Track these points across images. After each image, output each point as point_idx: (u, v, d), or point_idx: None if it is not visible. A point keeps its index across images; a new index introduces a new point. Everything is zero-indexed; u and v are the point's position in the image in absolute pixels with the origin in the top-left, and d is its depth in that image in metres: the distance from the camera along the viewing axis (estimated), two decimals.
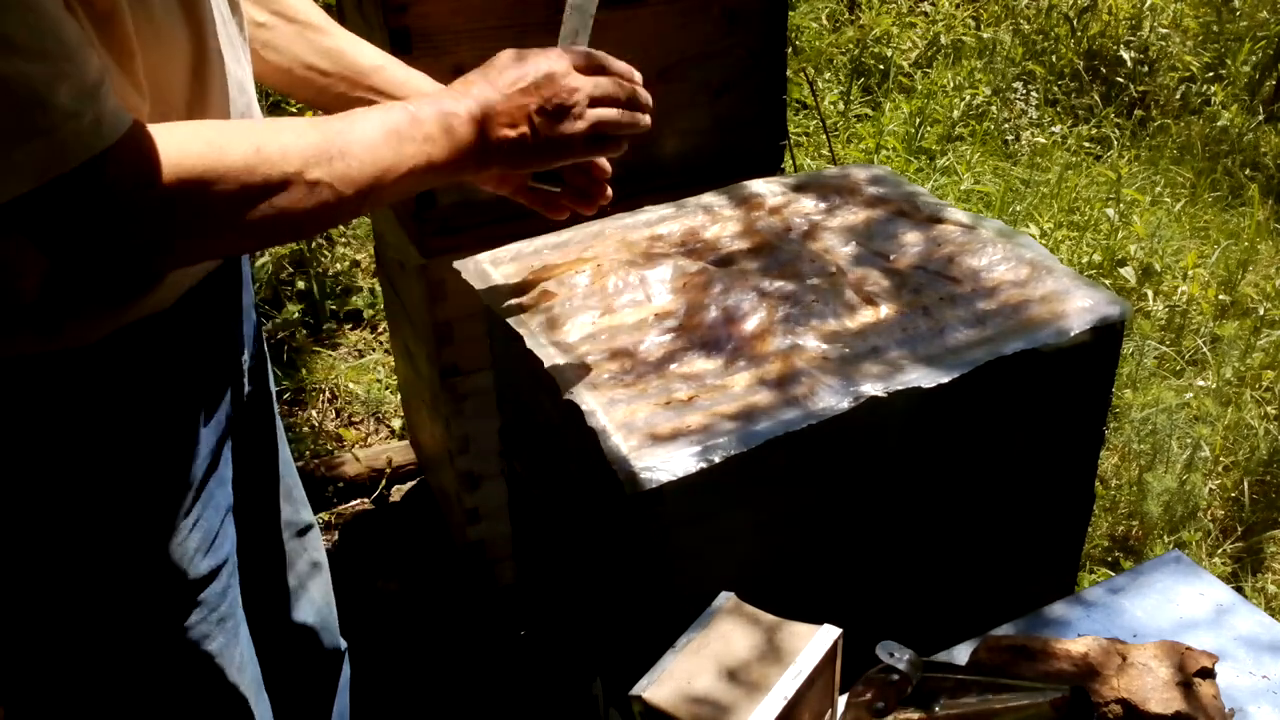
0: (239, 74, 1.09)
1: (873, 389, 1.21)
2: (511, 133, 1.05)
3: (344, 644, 1.58)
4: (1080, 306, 1.34)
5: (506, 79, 1.06)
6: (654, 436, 1.16)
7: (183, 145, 0.87)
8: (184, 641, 1.14)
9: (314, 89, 1.27)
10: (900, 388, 1.22)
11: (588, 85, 1.08)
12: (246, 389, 1.27)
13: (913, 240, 1.49)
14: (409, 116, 1.01)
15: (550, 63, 1.07)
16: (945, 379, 1.23)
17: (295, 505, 1.45)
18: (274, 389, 1.42)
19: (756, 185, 1.64)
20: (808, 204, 1.58)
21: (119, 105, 0.85)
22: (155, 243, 0.90)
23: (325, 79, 1.26)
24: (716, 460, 1.12)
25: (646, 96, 1.14)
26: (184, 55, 0.99)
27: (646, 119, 1.14)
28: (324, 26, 1.27)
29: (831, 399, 1.20)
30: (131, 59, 0.91)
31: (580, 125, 1.08)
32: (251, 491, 1.32)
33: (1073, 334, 1.31)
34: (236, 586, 1.22)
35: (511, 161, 1.08)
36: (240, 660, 1.22)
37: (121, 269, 0.94)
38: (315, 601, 1.50)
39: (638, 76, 1.14)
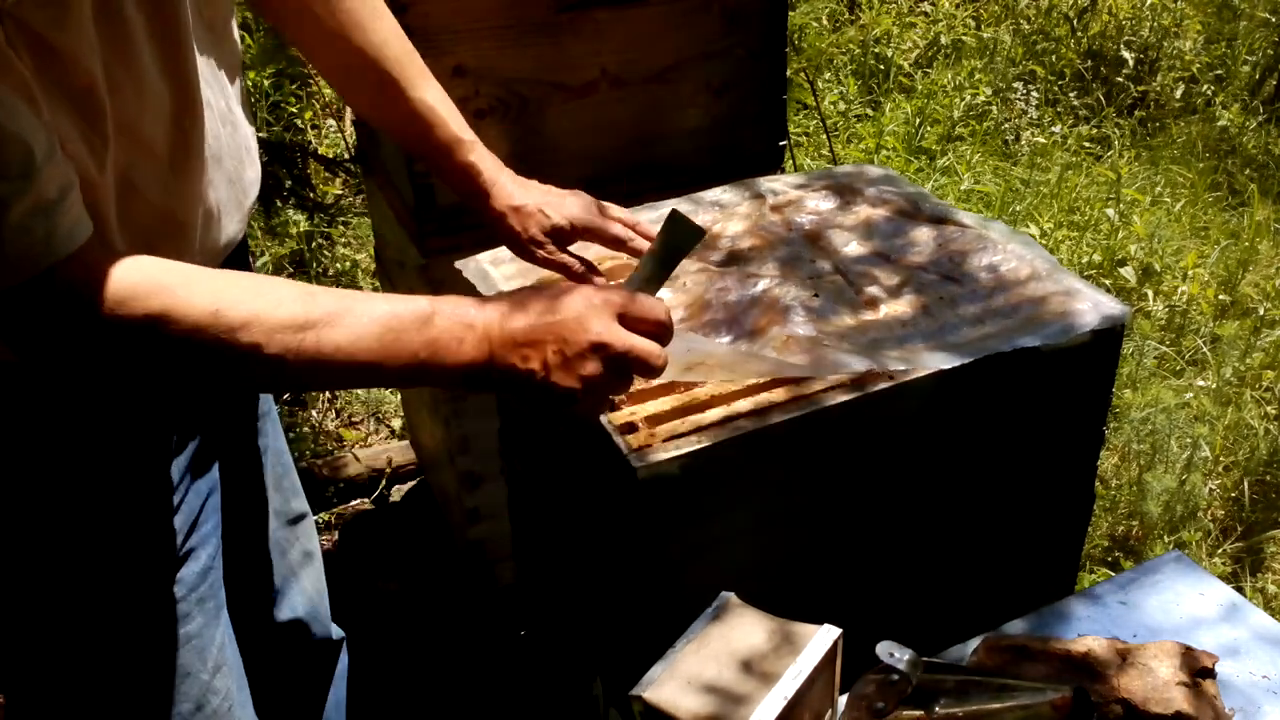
0: (222, 105, 1.10)
1: (874, 363, 1.21)
2: (520, 365, 0.96)
3: (339, 633, 1.58)
4: (1080, 307, 1.34)
5: (537, 309, 0.98)
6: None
7: (142, 279, 0.86)
8: (161, 620, 1.15)
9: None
10: (902, 367, 1.21)
11: (614, 342, 0.97)
12: None
13: (914, 240, 1.49)
14: (420, 315, 0.95)
15: (589, 308, 0.97)
16: (945, 365, 1.23)
17: (286, 494, 1.45)
18: None
19: (758, 183, 1.64)
20: (810, 203, 1.58)
21: (80, 217, 0.85)
22: (107, 360, 0.89)
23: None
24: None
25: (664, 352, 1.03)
26: (165, 107, 0.99)
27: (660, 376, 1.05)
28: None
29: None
30: (101, 116, 0.91)
31: (594, 380, 0.97)
32: (238, 480, 1.33)
33: (1073, 334, 1.31)
34: (219, 571, 1.23)
35: (509, 390, 1.00)
36: (219, 643, 1.23)
37: (86, 371, 0.94)
38: (307, 591, 1.50)
39: (671, 323, 1.03)
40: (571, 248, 1.34)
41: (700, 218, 1.55)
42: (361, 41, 1.26)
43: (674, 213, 1.08)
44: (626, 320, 0.98)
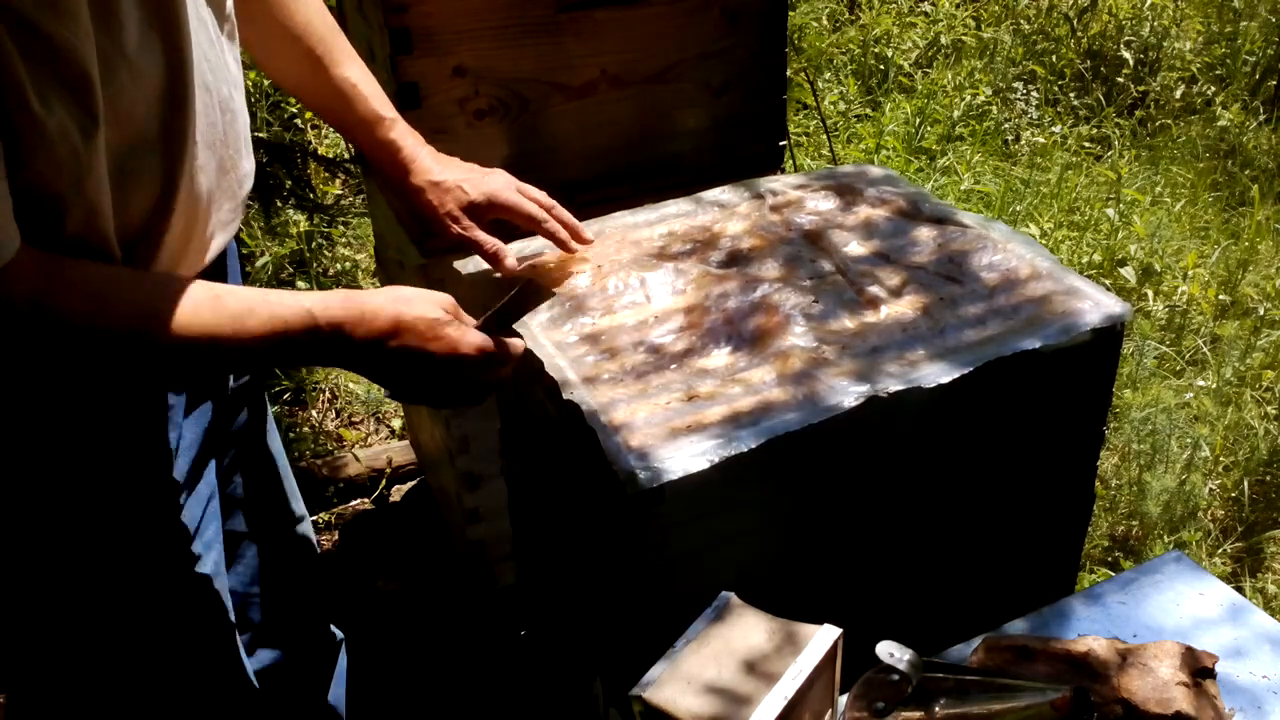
0: (223, 91, 1.11)
1: (873, 389, 1.21)
2: (368, 335, 1.08)
3: (340, 634, 1.59)
4: (1080, 307, 1.34)
5: (395, 297, 1.10)
6: (654, 437, 1.16)
7: (79, 282, 0.93)
8: (168, 626, 1.17)
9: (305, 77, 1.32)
10: (901, 388, 1.21)
11: (464, 344, 1.12)
12: (231, 382, 1.29)
13: (915, 241, 1.49)
14: (296, 313, 1.04)
15: (432, 308, 1.11)
16: (945, 379, 1.23)
17: (287, 496, 1.46)
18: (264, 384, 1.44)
19: (759, 183, 1.64)
20: (811, 203, 1.58)
21: (3, 227, 0.87)
22: (67, 353, 0.95)
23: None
24: (716, 460, 1.12)
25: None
26: (157, 85, 1.00)
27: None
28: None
29: (832, 399, 1.20)
30: (95, 103, 0.93)
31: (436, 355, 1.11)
32: (255, 483, 1.34)
33: (1073, 334, 1.31)
34: (224, 579, 1.25)
35: (353, 354, 1.09)
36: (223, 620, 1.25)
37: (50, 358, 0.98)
38: (306, 590, 1.50)
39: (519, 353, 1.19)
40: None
41: (699, 218, 1.55)
42: (286, 19, 1.28)
43: (529, 282, 1.23)
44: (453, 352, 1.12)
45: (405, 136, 1.36)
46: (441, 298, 1.13)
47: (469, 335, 1.13)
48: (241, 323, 1.01)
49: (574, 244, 1.41)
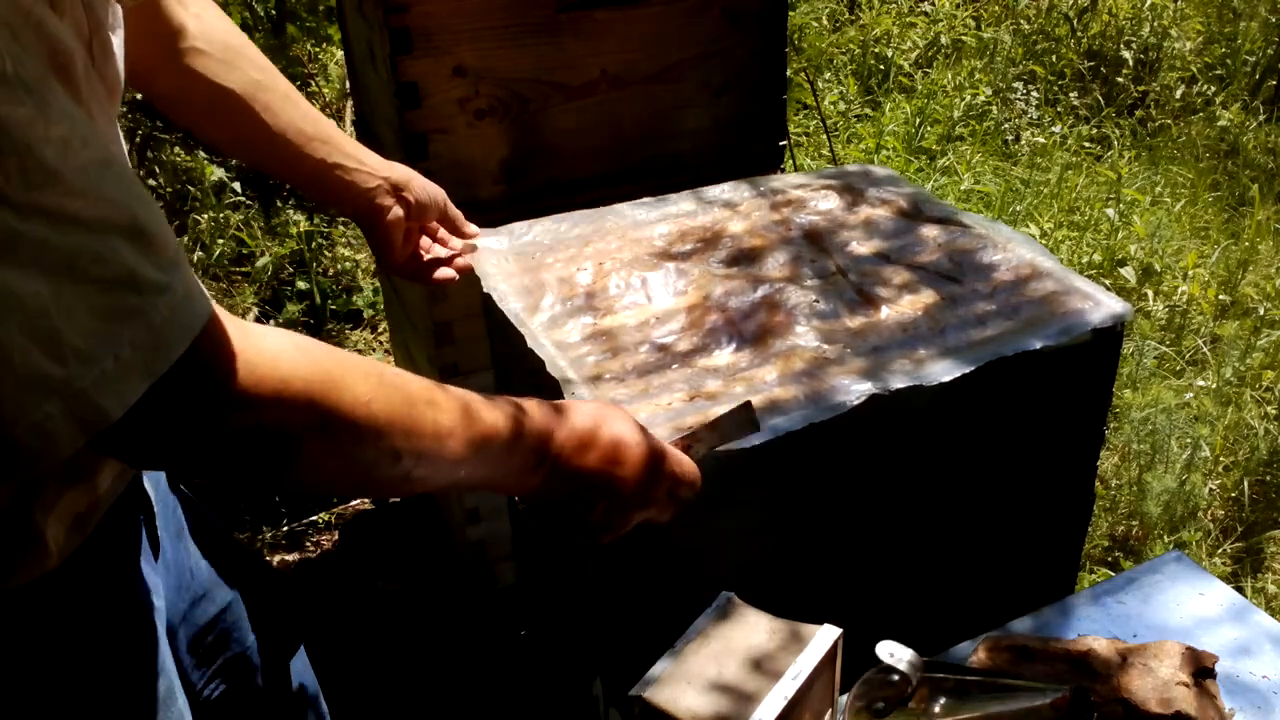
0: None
1: (872, 389, 1.21)
2: (567, 499, 0.97)
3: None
4: (1081, 307, 1.34)
5: (604, 450, 0.96)
6: (654, 437, 1.15)
7: (293, 355, 0.74)
8: None
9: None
10: (902, 387, 1.22)
11: (658, 514, 1.02)
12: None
13: (916, 241, 1.49)
14: (509, 437, 0.90)
15: (649, 468, 0.98)
16: (946, 378, 1.23)
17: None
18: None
19: (762, 182, 1.64)
20: (814, 203, 1.58)
21: (193, 275, 0.71)
22: (241, 448, 0.75)
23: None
24: (717, 460, 1.12)
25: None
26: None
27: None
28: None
29: (833, 398, 1.20)
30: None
31: (617, 529, 1.00)
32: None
33: (1074, 334, 1.31)
34: (175, 688, 1.08)
35: (554, 481, 0.96)
36: None
37: (250, 473, 0.80)
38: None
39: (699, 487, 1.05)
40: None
41: (701, 217, 1.55)
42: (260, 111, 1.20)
43: (749, 400, 1.07)
44: (667, 478, 1.00)
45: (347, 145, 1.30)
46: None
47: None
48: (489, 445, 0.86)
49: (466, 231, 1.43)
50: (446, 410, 0.84)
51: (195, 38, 1.15)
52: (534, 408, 0.93)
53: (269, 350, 0.73)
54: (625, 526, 1.00)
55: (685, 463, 1.03)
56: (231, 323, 0.72)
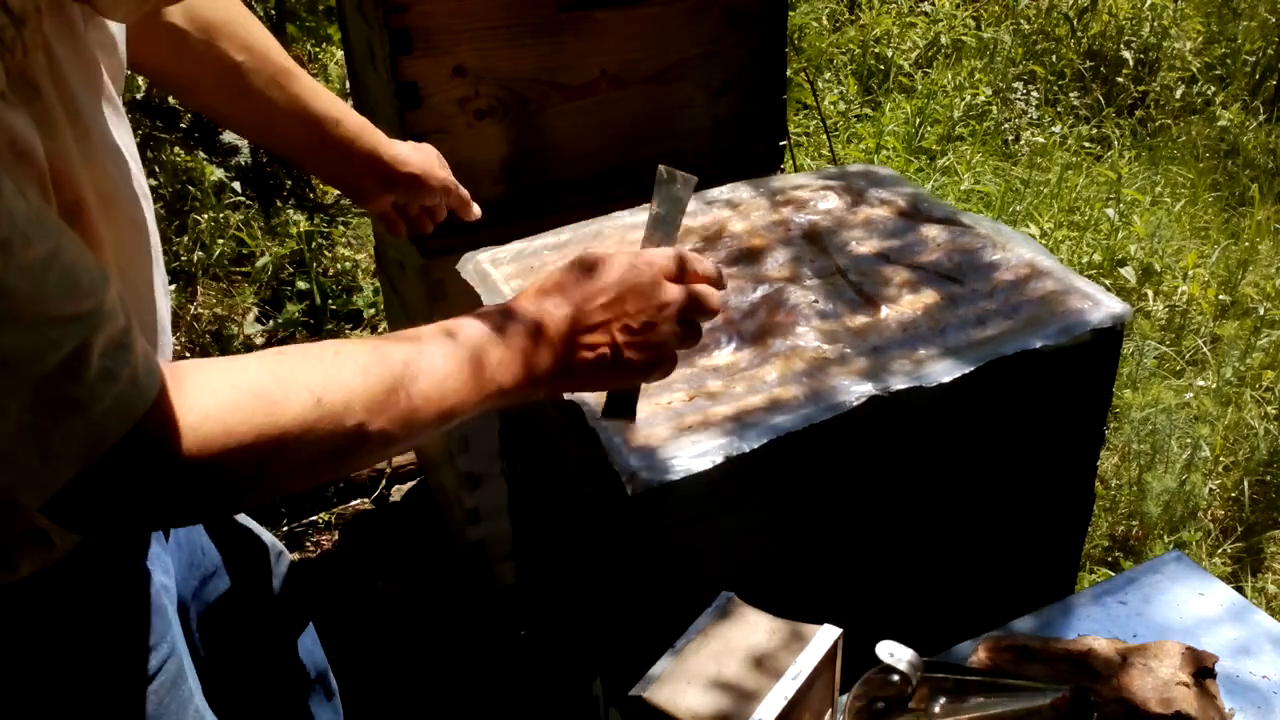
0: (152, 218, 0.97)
1: (872, 389, 1.21)
2: (590, 354, 0.90)
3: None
4: (1081, 307, 1.34)
5: (588, 292, 0.91)
6: (656, 436, 1.16)
7: (232, 401, 0.73)
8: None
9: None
10: (901, 388, 1.21)
11: (678, 298, 0.93)
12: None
13: (918, 240, 1.49)
14: (483, 340, 0.87)
15: (638, 273, 0.92)
16: (947, 379, 1.23)
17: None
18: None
19: (764, 182, 1.64)
20: (815, 202, 1.58)
21: (146, 349, 0.71)
22: (204, 503, 0.77)
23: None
24: (717, 460, 1.12)
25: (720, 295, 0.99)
26: (142, 233, 0.90)
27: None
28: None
29: (834, 398, 1.20)
30: (94, 236, 0.79)
31: (666, 343, 0.93)
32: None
33: (1074, 334, 1.31)
34: (181, 657, 1.08)
35: (586, 384, 0.95)
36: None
37: (164, 524, 0.82)
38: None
39: (723, 278, 0.99)
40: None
41: (701, 217, 1.55)
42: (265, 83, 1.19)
43: (661, 168, 1.02)
44: (676, 277, 0.94)
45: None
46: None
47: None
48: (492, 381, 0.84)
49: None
50: (415, 382, 0.82)
51: (176, 13, 1.12)
52: (496, 336, 0.88)
53: (211, 408, 0.72)
54: (671, 340, 0.93)
55: (666, 251, 0.94)
56: (173, 386, 0.71)
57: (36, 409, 0.65)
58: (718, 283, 0.97)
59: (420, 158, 1.33)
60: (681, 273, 0.94)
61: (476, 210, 1.42)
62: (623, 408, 1.01)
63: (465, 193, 1.40)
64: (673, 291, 0.92)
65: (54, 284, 0.64)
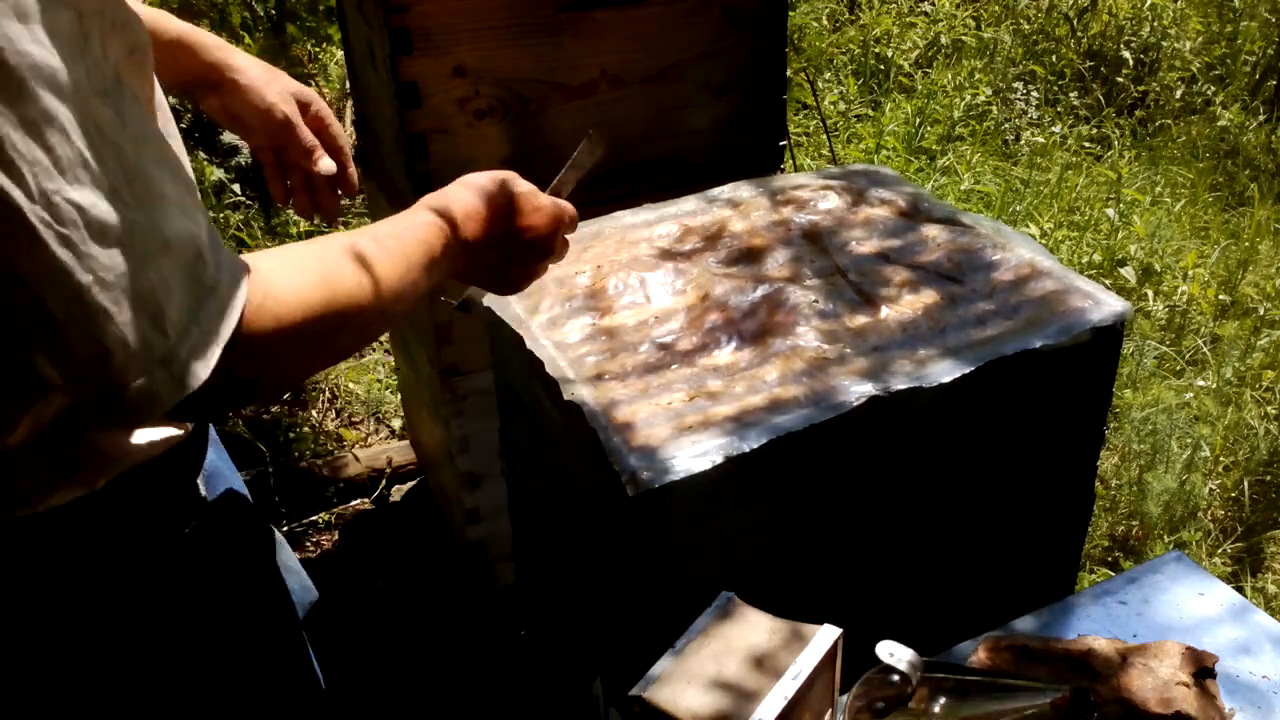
0: None
1: (873, 389, 1.21)
2: (488, 258, 1.05)
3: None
4: (1081, 307, 1.34)
5: (509, 219, 1.06)
6: (656, 436, 1.16)
7: (301, 282, 0.83)
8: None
9: None
10: (902, 387, 1.21)
11: (557, 245, 1.11)
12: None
13: (918, 241, 1.49)
14: (431, 231, 0.98)
15: (544, 217, 1.08)
16: (947, 379, 1.23)
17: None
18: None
19: (765, 182, 1.64)
20: (816, 202, 1.58)
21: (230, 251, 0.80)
22: (272, 381, 0.86)
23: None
24: (719, 460, 1.12)
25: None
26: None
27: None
28: None
29: (834, 398, 1.20)
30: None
31: (533, 274, 1.10)
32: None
33: (1074, 334, 1.31)
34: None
35: (470, 277, 1.07)
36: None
37: (227, 407, 0.88)
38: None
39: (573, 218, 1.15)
40: None
41: (701, 217, 1.55)
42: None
43: (592, 131, 1.20)
44: (563, 226, 1.11)
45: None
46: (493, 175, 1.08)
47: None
48: (415, 263, 0.94)
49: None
50: (384, 264, 0.92)
51: None
52: (433, 215, 1.00)
53: (286, 285, 0.82)
54: (540, 271, 1.11)
55: (565, 205, 1.12)
56: (255, 275, 0.80)
57: (189, 291, 0.74)
58: (572, 224, 1.14)
59: (268, 80, 1.21)
60: (563, 225, 1.11)
61: (354, 177, 1.30)
62: (467, 306, 1.23)
63: (347, 157, 1.28)
64: (556, 240, 1.10)
65: (170, 179, 0.74)
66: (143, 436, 0.95)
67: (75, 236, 0.68)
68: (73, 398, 0.76)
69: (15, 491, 0.88)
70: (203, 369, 0.75)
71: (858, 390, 1.20)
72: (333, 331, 0.85)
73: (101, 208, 0.69)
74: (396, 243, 0.94)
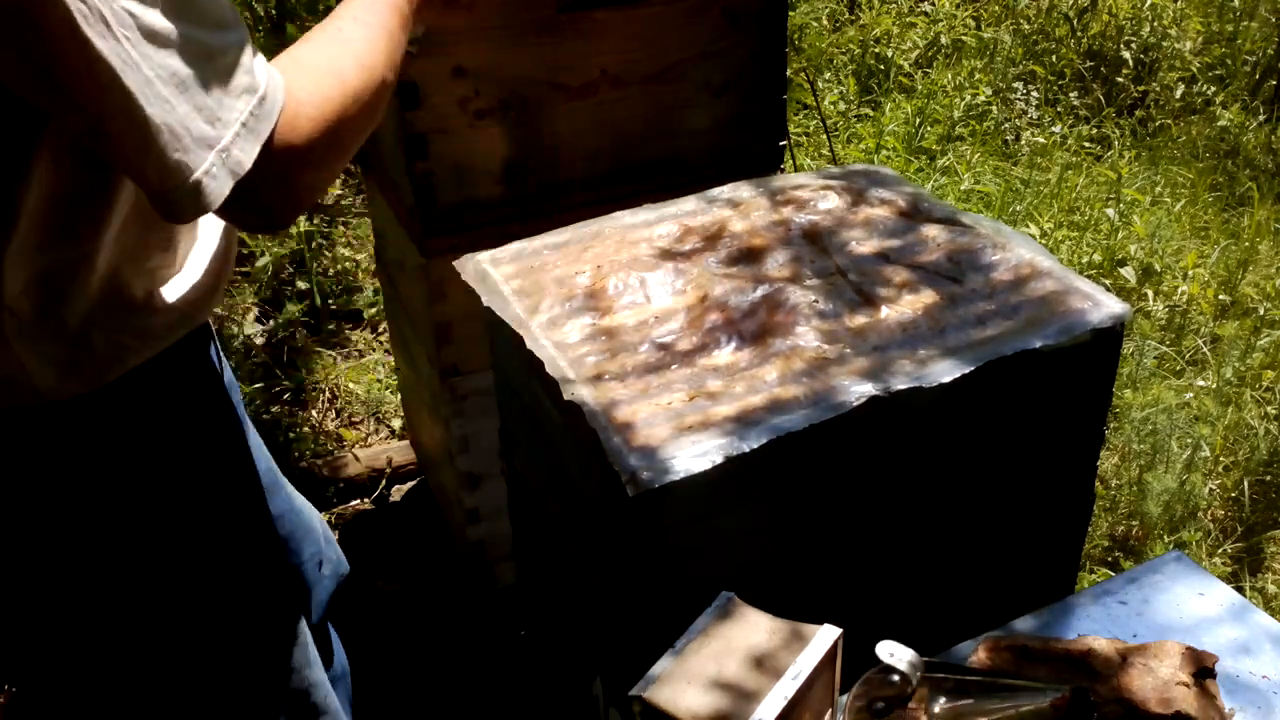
0: None
1: (873, 389, 1.21)
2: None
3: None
4: (1081, 307, 1.34)
5: None
6: (656, 436, 1.16)
7: (318, 82, 0.94)
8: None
9: None
10: (901, 388, 1.21)
11: None
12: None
13: (918, 241, 1.49)
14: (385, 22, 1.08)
15: None
16: (947, 379, 1.23)
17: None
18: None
19: (764, 182, 1.64)
20: (815, 202, 1.58)
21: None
22: (310, 183, 0.97)
23: None
24: (719, 460, 1.12)
25: None
26: None
27: None
28: None
29: (834, 398, 1.20)
30: None
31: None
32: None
33: (1074, 334, 1.31)
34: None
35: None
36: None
37: (273, 217, 0.99)
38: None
39: None
40: None
41: (701, 217, 1.55)
42: None
43: None
44: None
45: None
46: None
47: None
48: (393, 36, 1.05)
49: None
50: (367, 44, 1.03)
51: None
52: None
53: (307, 86, 0.93)
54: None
55: None
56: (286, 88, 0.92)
57: (231, 89, 0.85)
58: None
59: None
60: None
61: None
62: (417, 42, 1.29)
63: None
64: None
65: None
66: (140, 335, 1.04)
67: (131, 37, 0.78)
68: (142, 185, 0.86)
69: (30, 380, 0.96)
70: (247, 156, 0.86)
71: (858, 390, 1.20)
72: (351, 129, 0.97)
73: (150, 15, 0.80)
74: (375, 16, 1.05)
